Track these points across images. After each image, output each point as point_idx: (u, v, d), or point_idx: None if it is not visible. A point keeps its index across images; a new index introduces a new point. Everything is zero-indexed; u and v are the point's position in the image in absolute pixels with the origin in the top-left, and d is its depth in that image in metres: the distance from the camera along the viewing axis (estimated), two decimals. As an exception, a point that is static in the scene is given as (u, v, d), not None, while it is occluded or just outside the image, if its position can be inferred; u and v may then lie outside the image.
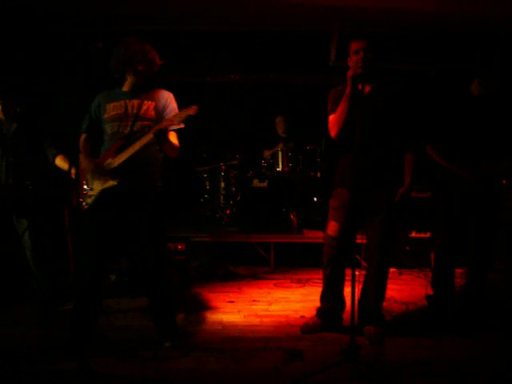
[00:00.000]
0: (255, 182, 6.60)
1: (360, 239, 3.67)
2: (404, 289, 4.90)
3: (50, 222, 4.11)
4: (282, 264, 5.75)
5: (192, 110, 2.99)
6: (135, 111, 3.27)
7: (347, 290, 3.30)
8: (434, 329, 3.75)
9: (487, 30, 5.83)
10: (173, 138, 3.32)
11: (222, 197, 6.86)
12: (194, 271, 5.22)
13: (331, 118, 3.52)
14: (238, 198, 6.54)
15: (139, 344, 3.41)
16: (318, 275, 4.69)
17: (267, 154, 6.64)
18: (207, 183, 7.08)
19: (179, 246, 4.80)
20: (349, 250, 3.55)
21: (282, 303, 4.44)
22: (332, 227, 3.58)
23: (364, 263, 3.83)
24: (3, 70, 5.23)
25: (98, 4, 5.37)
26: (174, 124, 3.08)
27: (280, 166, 6.47)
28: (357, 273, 3.05)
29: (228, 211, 6.56)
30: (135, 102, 3.30)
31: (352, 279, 2.99)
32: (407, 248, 5.68)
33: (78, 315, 3.32)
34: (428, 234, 5.53)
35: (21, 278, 4.19)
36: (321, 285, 3.80)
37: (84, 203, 3.27)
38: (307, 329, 3.69)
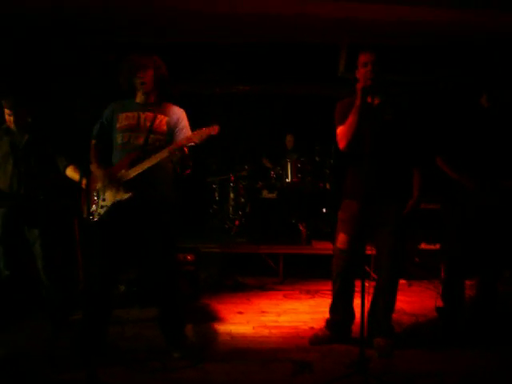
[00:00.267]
0: (264, 193, 6.61)
1: (369, 251, 3.67)
2: (414, 300, 4.87)
3: (60, 232, 4.13)
4: (291, 275, 5.73)
5: (214, 130, 3.02)
6: (148, 124, 3.29)
7: (356, 302, 3.30)
8: (444, 340, 3.73)
9: (496, 41, 5.82)
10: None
11: (231, 208, 6.86)
12: (203, 282, 5.21)
13: (339, 129, 3.53)
14: (247, 209, 6.55)
15: (148, 354, 3.41)
16: (327, 286, 4.67)
17: (265, 162, 6.68)
18: (216, 194, 7.09)
19: (188, 257, 4.81)
20: (358, 261, 3.55)
21: (291, 314, 4.43)
22: (341, 239, 3.58)
23: (373, 275, 3.81)
24: (15, 82, 5.28)
25: (109, 16, 5.41)
26: (193, 142, 3.09)
27: (289, 177, 6.48)
28: (366, 284, 3.04)
29: (237, 222, 6.56)
30: (148, 114, 3.32)
31: (362, 291, 2.98)
32: (417, 259, 5.65)
33: (87, 325, 3.34)
34: (437, 246, 5.50)
35: (31, 287, 4.20)
36: (330, 296, 3.79)
37: (96, 214, 3.28)
38: (316, 340, 3.68)
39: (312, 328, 4.01)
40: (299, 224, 6.05)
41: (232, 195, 6.86)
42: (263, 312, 4.49)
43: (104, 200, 3.27)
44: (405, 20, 5.38)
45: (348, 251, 3.54)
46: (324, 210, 6.55)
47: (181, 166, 3.26)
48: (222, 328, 4.04)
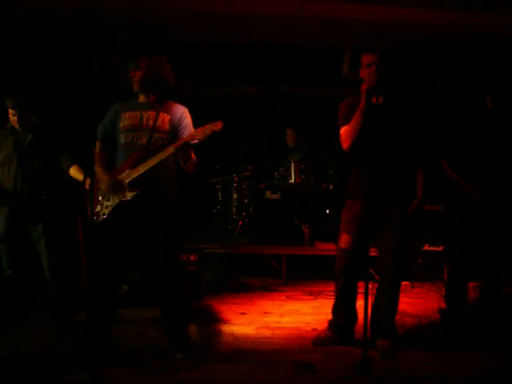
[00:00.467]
0: (267, 194, 6.59)
1: (373, 252, 3.67)
2: (416, 302, 4.86)
3: (63, 232, 4.14)
4: (294, 276, 5.73)
5: (217, 126, 3.02)
6: (151, 123, 3.29)
7: (360, 303, 3.29)
8: (447, 342, 3.72)
9: (499, 43, 5.81)
10: (191, 153, 3.31)
11: (234, 208, 6.86)
12: (206, 282, 5.21)
13: (343, 130, 3.53)
14: (251, 210, 6.54)
15: (151, 354, 3.42)
16: (330, 288, 4.68)
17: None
18: (220, 195, 7.10)
19: (192, 257, 4.81)
20: (361, 262, 3.54)
21: (294, 315, 4.43)
22: (344, 240, 3.57)
23: (377, 276, 3.81)
24: (18, 81, 5.29)
25: (115, 14, 5.42)
26: (197, 139, 3.09)
27: (292, 177, 6.48)
28: (369, 286, 3.04)
29: (240, 223, 6.56)
30: (151, 113, 3.32)
31: (365, 292, 2.98)
32: (420, 261, 5.64)
33: (91, 325, 3.34)
34: (441, 247, 5.49)
35: (34, 287, 4.21)
36: (333, 297, 3.79)
37: (101, 214, 3.29)
38: (319, 341, 3.67)
39: (315, 329, 4.00)
40: (302, 225, 6.04)
41: (235, 196, 6.86)
42: (266, 313, 4.49)
43: (108, 200, 3.27)
44: (409, 21, 5.37)
45: (351, 251, 3.53)
46: (327, 211, 6.54)
47: (185, 163, 3.26)
48: (225, 329, 4.04)
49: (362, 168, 3.42)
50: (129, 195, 3.19)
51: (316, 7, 5.11)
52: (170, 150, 3.11)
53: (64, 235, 4.15)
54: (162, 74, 3.36)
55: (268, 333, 3.96)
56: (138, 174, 3.17)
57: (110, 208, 3.25)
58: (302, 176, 6.45)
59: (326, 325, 3.79)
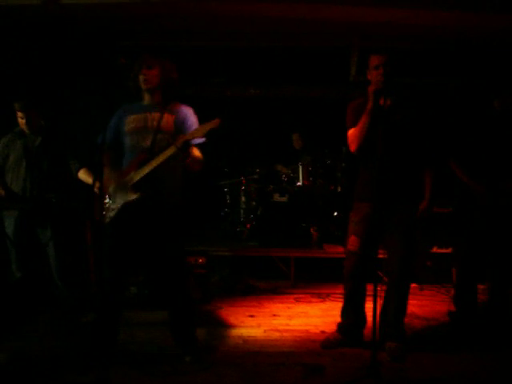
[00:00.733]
0: (275, 196, 6.59)
1: (382, 254, 3.66)
2: (425, 304, 4.85)
3: (72, 235, 4.16)
4: (302, 278, 5.72)
5: (214, 124, 3.01)
6: (155, 124, 3.30)
7: (368, 306, 3.28)
8: (456, 345, 3.71)
9: (507, 45, 5.79)
10: (196, 151, 3.33)
11: (242, 211, 6.85)
12: (214, 285, 5.22)
13: (350, 132, 3.53)
14: (259, 212, 6.54)
15: (159, 357, 3.43)
16: (339, 290, 4.67)
17: (280, 168, 6.70)
18: (228, 197, 7.10)
19: (200, 260, 4.82)
20: (370, 264, 3.54)
21: (303, 318, 4.42)
22: (353, 242, 3.57)
23: (385, 279, 3.80)
24: (28, 84, 5.32)
25: (120, 18, 5.45)
26: (196, 137, 3.09)
27: (300, 180, 6.47)
28: (378, 288, 3.03)
29: (248, 225, 6.56)
30: (155, 114, 3.33)
31: (374, 294, 2.97)
32: (428, 263, 5.62)
33: (98, 327, 3.34)
34: (449, 250, 5.46)
35: (42, 290, 4.23)
36: (341, 300, 3.78)
37: (107, 216, 3.30)
38: (328, 344, 3.67)
39: (323, 332, 4.00)
40: (310, 227, 6.04)
41: (243, 199, 6.85)
42: (275, 315, 4.49)
43: (114, 203, 3.28)
44: (416, 23, 5.36)
45: (360, 253, 3.53)
46: (335, 214, 6.53)
47: (189, 163, 3.26)
48: (234, 331, 4.05)
49: (369, 170, 3.42)
50: (133, 196, 3.20)
51: (325, 9, 5.12)
52: (172, 149, 3.11)
53: (73, 237, 4.17)
54: (172, 78, 3.39)
55: (276, 335, 3.96)
56: (141, 175, 3.18)
57: (115, 210, 3.26)
58: (310, 178, 6.45)
59: (334, 327, 3.79)
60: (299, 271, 5.68)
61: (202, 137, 3.13)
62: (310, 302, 4.98)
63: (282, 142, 7.30)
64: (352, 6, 5.04)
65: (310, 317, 4.45)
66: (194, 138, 3.10)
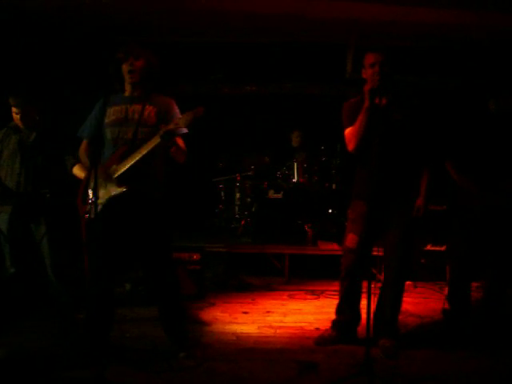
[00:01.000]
0: (270, 193, 6.61)
1: (376, 251, 3.67)
2: (419, 302, 4.86)
3: (67, 231, 4.14)
4: (297, 275, 5.73)
5: (197, 112, 2.96)
6: (137, 116, 3.25)
7: (363, 303, 3.29)
8: (450, 342, 3.72)
9: (506, 44, 5.79)
10: (180, 141, 3.28)
11: (237, 207, 6.85)
12: (208, 281, 5.22)
13: (348, 131, 3.52)
14: (253, 209, 6.54)
15: (153, 354, 3.42)
16: (333, 287, 4.68)
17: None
18: (222, 194, 7.09)
19: (194, 256, 4.81)
20: (366, 262, 3.54)
21: (297, 315, 4.43)
22: (351, 239, 3.56)
23: (379, 276, 3.80)
24: (22, 79, 5.30)
25: (115, 14, 5.43)
26: (179, 126, 3.05)
27: (295, 177, 6.48)
28: (372, 285, 3.04)
29: (243, 222, 6.56)
30: (136, 106, 3.28)
31: (368, 292, 2.98)
32: (422, 261, 5.64)
33: (91, 324, 3.32)
34: (444, 247, 5.48)
35: (37, 286, 4.22)
36: (335, 297, 3.79)
37: (92, 212, 3.23)
38: (322, 341, 3.67)
39: (317, 329, 4.01)
40: (305, 224, 6.05)
41: (238, 195, 6.85)
42: (268, 312, 4.49)
43: (98, 198, 3.22)
44: (413, 21, 5.37)
45: (357, 251, 3.53)
46: (330, 211, 6.54)
47: (173, 153, 3.21)
48: (228, 328, 4.05)
49: (366, 168, 3.42)
50: (118, 190, 3.16)
51: (320, 5, 5.12)
52: (155, 140, 3.06)
53: (67, 233, 4.15)
54: (156, 70, 3.36)
55: (270, 332, 3.96)
56: (125, 168, 3.13)
57: (100, 206, 3.20)
58: (305, 175, 6.46)
59: (328, 324, 3.80)
60: (293, 268, 5.69)
61: (186, 126, 3.07)
62: (305, 298, 4.99)
63: (278, 138, 7.29)
64: (351, 1, 5.03)
65: (304, 314, 4.46)
66: (177, 127, 3.05)
